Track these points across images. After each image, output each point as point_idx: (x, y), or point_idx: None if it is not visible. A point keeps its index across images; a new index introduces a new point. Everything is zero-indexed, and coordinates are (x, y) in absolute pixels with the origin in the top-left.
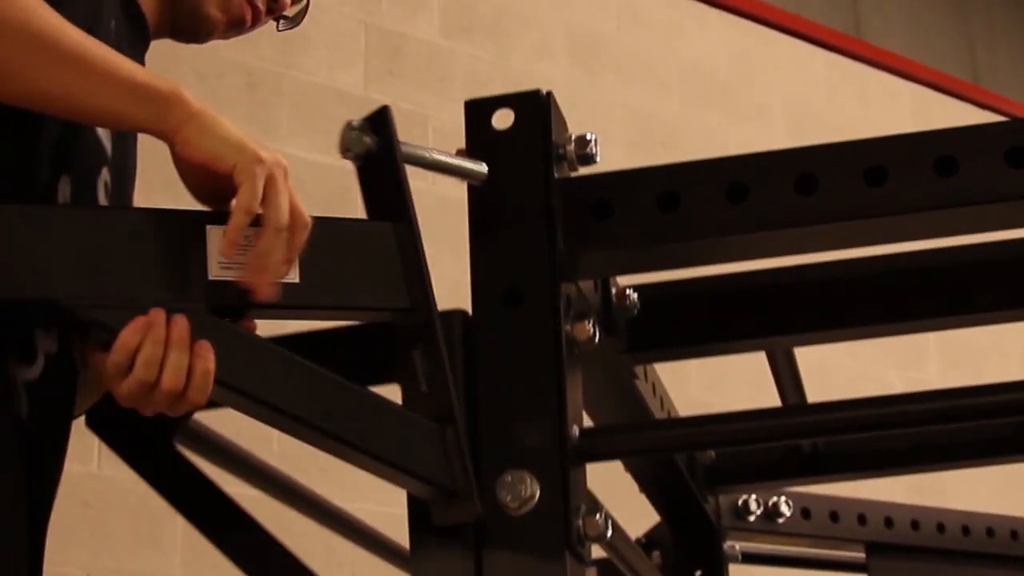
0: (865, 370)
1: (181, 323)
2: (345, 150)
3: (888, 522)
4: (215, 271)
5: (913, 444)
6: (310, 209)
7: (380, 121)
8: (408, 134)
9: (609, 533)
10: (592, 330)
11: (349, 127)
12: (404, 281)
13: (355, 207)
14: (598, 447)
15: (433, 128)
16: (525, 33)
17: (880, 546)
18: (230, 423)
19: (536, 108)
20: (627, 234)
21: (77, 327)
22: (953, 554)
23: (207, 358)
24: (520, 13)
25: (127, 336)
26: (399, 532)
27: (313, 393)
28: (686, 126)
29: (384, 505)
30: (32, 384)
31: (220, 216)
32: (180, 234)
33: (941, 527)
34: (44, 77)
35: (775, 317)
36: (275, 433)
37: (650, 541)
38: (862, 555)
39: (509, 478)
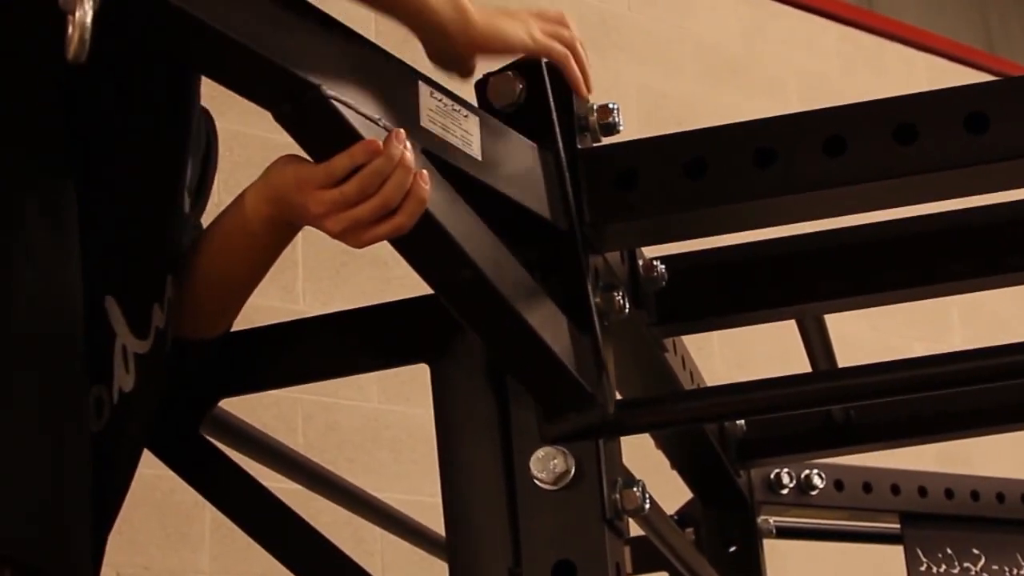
0: (889, 342)
1: (412, 148)
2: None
3: (922, 491)
4: (424, 120)
5: (944, 410)
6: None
7: (530, 70)
8: None
9: (647, 506)
10: (622, 302)
11: (503, 77)
12: (551, 197)
13: None
14: (633, 419)
15: None
16: None
17: (914, 516)
18: (256, 416)
19: (557, 79)
20: (654, 203)
21: (310, 122)
22: (988, 522)
23: (425, 186)
24: None
25: (371, 144)
26: (427, 519)
27: (492, 256)
28: (700, 103)
29: (410, 494)
30: (142, 357)
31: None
32: (399, 78)
33: (975, 495)
34: None
35: (805, 284)
36: (300, 425)
37: (683, 518)
38: (896, 525)
39: (542, 454)
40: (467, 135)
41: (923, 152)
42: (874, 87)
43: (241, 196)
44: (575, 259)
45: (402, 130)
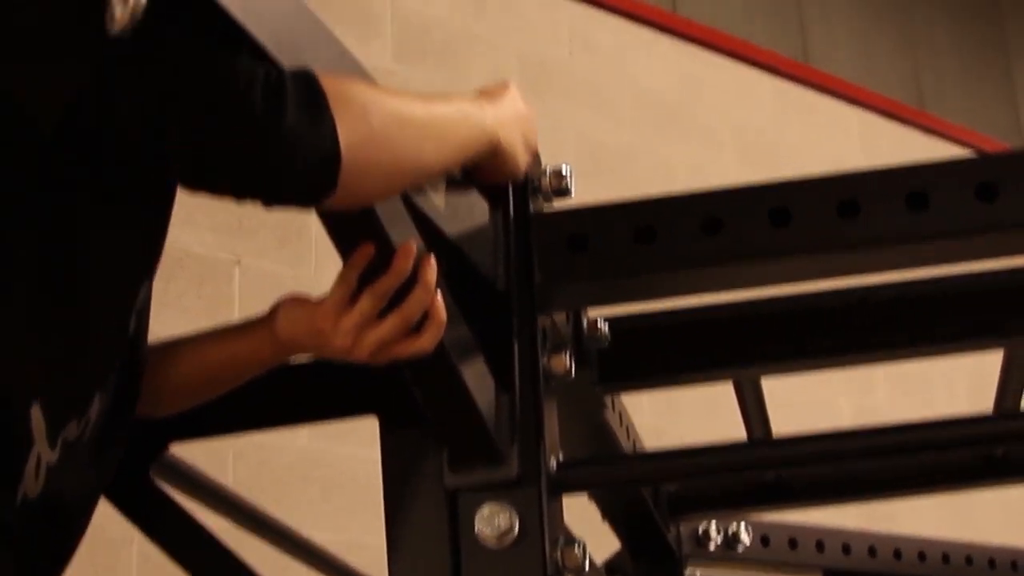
0: (816, 397)
1: (434, 265)
2: None
3: (846, 549)
4: None
5: (871, 473)
6: None
7: None
8: None
9: (587, 566)
10: (568, 363)
11: None
12: (495, 258)
13: None
14: (576, 479)
15: None
16: (477, 59)
17: (837, 573)
18: (187, 451)
19: None
20: (603, 266)
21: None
22: None
23: (443, 309)
24: (472, 39)
25: (366, 249)
26: (355, 558)
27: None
28: (637, 151)
29: (339, 532)
30: (51, 468)
31: None
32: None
33: (898, 553)
34: (422, 154)
35: (743, 348)
36: (231, 462)
37: (611, 569)
38: None
39: (487, 511)
40: (436, 184)
41: (866, 226)
42: (807, 140)
43: (252, 330)
44: (510, 319)
45: (412, 244)
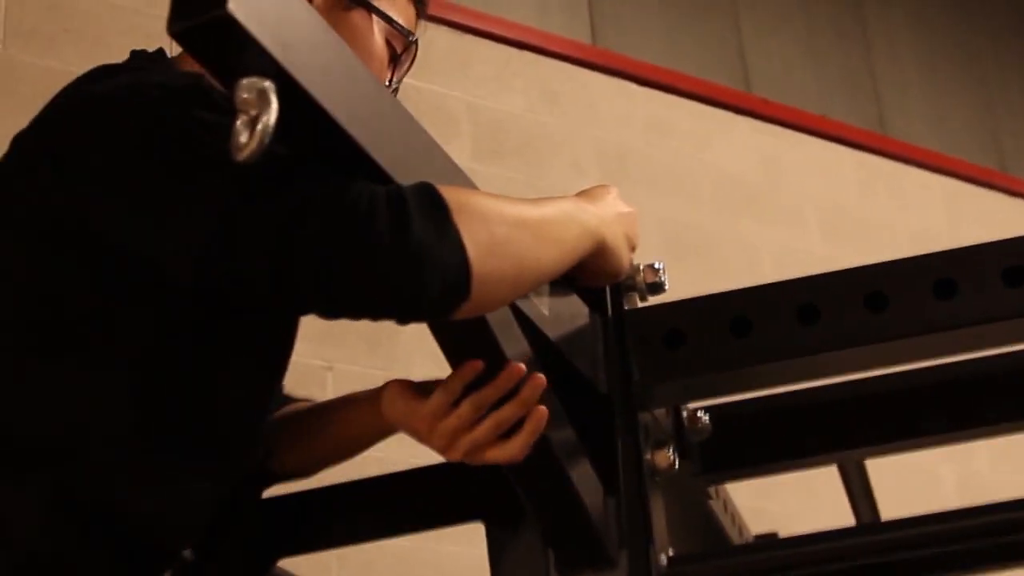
0: (917, 465)
1: (538, 384)
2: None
3: None
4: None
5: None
6: None
7: None
8: None
9: None
10: (672, 458)
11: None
12: (594, 359)
13: None
14: (686, 575)
15: None
16: (555, 153)
17: None
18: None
19: None
20: (700, 361)
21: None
22: None
23: (542, 422)
24: (548, 133)
25: (474, 365)
26: None
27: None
28: (720, 234)
29: None
30: None
31: None
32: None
33: None
34: (541, 256)
35: (845, 431)
36: (334, 565)
37: None
38: None
39: None
40: (541, 290)
41: (964, 305)
42: (891, 211)
43: (368, 403)
44: (613, 420)
45: (521, 367)
